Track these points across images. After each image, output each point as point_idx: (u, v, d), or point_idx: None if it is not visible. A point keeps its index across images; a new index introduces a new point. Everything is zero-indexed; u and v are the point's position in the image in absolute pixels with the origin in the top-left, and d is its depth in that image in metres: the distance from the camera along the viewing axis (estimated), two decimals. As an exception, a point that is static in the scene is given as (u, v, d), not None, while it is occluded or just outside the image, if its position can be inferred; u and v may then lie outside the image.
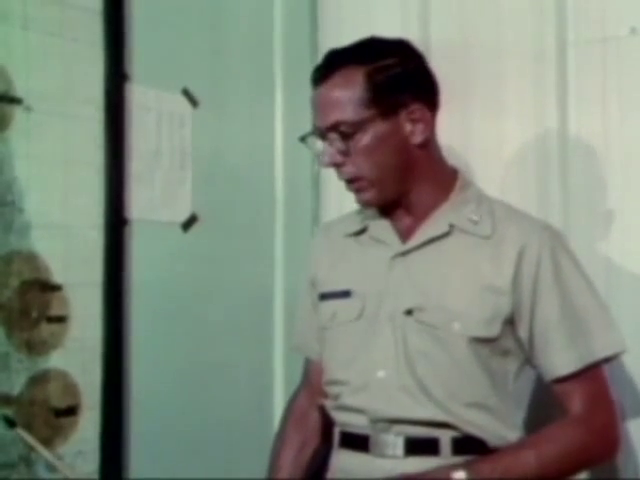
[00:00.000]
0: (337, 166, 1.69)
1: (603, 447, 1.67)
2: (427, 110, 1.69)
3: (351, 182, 1.70)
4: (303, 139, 1.79)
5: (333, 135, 1.67)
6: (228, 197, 2.23)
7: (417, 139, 1.68)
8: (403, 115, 1.67)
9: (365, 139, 1.65)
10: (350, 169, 1.68)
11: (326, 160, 1.70)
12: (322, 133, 1.69)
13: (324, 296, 1.79)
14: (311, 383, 1.88)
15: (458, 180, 1.75)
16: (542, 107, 2.07)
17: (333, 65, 1.67)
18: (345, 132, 1.65)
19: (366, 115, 1.64)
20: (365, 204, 1.74)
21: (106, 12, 1.93)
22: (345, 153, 1.67)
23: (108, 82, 1.94)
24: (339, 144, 1.67)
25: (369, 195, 1.70)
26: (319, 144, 1.74)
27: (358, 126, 1.65)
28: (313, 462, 1.84)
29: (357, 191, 1.71)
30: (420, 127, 1.67)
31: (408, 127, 1.67)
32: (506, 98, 2.12)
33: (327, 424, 1.80)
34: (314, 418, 1.84)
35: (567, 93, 2.06)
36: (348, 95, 1.64)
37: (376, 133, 1.65)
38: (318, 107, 1.69)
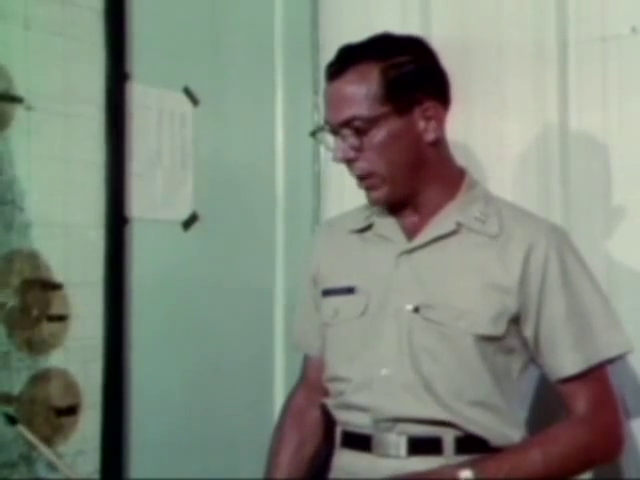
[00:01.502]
0: (350, 162, 1.69)
1: (608, 447, 1.68)
2: (440, 107, 1.69)
3: (363, 179, 1.69)
4: (314, 134, 1.78)
5: (346, 131, 1.66)
6: (229, 196, 2.23)
7: (430, 136, 1.68)
8: (417, 112, 1.66)
9: (379, 135, 1.65)
10: (363, 165, 1.68)
11: (339, 156, 1.69)
12: (335, 128, 1.69)
13: (327, 292, 1.79)
14: (310, 381, 1.88)
15: (465, 179, 1.75)
16: (543, 106, 2.07)
17: (347, 60, 1.66)
18: (359, 128, 1.65)
19: (381, 111, 1.64)
20: (376, 203, 1.73)
21: (107, 11, 1.93)
22: (358, 149, 1.66)
23: (109, 81, 1.94)
24: (352, 140, 1.66)
25: (380, 192, 1.69)
26: (330, 139, 1.73)
27: (373, 122, 1.64)
28: (315, 462, 1.84)
29: (369, 188, 1.70)
30: (433, 125, 1.67)
31: (422, 124, 1.67)
32: (507, 97, 2.12)
33: (328, 423, 1.80)
34: (313, 416, 1.84)
35: (568, 92, 2.06)
36: (363, 91, 1.64)
37: (390, 130, 1.65)
38: (332, 102, 1.69)
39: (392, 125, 1.65)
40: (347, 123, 1.65)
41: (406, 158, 1.67)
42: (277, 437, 1.85)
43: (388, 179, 1.68)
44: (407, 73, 1.65)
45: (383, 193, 1.69)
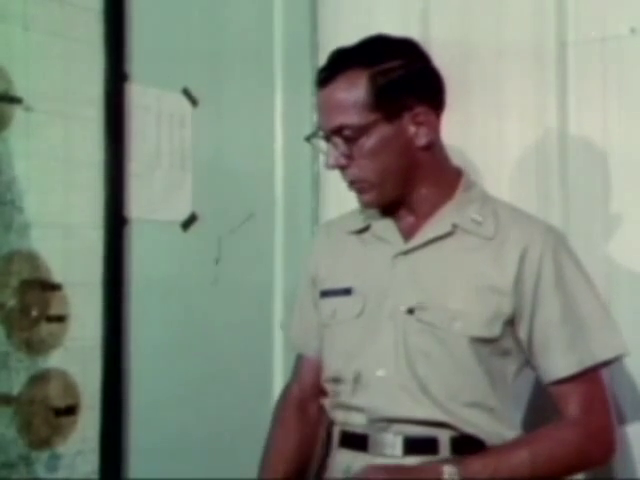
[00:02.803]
0: (341, 168, 1.69)
1: (598, 450, 1.67)
2: (431, 112, 1.68)
3: (353, 183, 1.70)
4: (308, 139, 1.78)
5: (337, 138, 1.66)
6: (228, 196, 2.23)
7: (421, 141, 1.67)
8: (407, 118, 1.66)
9: (369, 143, 1.65)
10: (354, 171, 1.68)
11: (330, 163, 1.69)
12: (326, 135, 1.69)
13: (325, 293, 1.79)
14: (303, 380, 1.88)
15: (462, 180, 1.75)
16: (542, 107, 2.07)
17: (337, 67, 1.66)
18: (349, 136, 1.65)
19: (370, 119, 1.64)
20: (367, 205, 1.73)
21: (106, 12, 1.93)
22: (349, 156, 1.66)
23: (108, 82, 1.94)
24: (343, 147, 1.66)
25: (370, 196, 1.70)
26: (323, 144, 1.74)
27: (362, 130, 1.64)
28: (312, 462, 1.85)
29: (359, 192, 1.71)
30: (424, 130, 1.67)
31: (412, 130, 1.67)
32: (506, 98, 2.12)
33: (326, 424, 1.81)
34: (312, 411, 1.84)
35: (567, 93, 2.06)
36: (352, 99, 1.63)
37: (380, 137, 1.65)
38: (322, 109, 1.69)
39: (382, 132, 1.65)
40: (337, 131, 1.65)
41: (397, 164, 1.67)
42: (279, 427, 1.86)
43: (377, 185, 1.68)
44: (396, 79, 1.64)
45: (373, 196, 1.70)
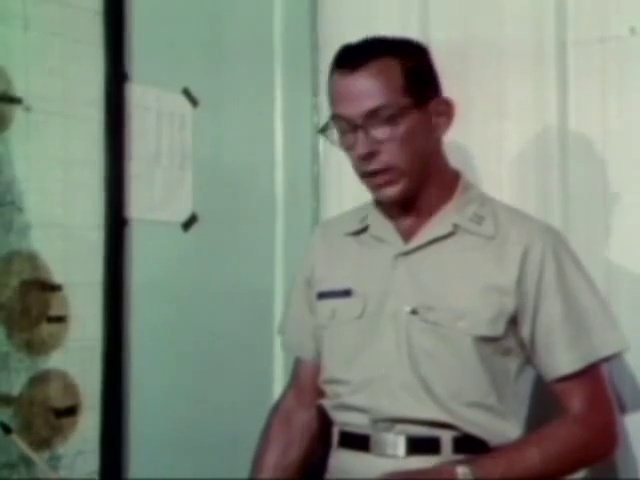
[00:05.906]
0: (371, 156, 1.65)
1: (602, 445, 1.69)
2: (450, 103, 1.70)
3: (379, 174, 1.66)
4: (322, 131, 1.74)
5: (372, 121, 1.63)
6: (228, 197, 2.23)
7: (440, 132, 1.70)
8: (432, 106, 1.68)
9: (402, 127, 1.64)
10: (385, 158, 1.65)
11: (363, 151, 1.65)
12: (355, 122, 1.65)
13: (322, 295, 1.79)
14: (300, 383, 1.88)
15: (461, 181, 1.76)
16: (542, 107, 2.07)
17: (367, 54, 1.65)
18: (389, 116, 1.63)
19: (404, 103, 1.64)
20: (389, 199, 1.70)
21: (106, 12, 1.93)
22: (380, 142, 1.65)
23: (108, 82, 1.94)
24: (375, 132, 1.64)
25: (396, 188, 1.67)
26: (336, 136, 1.71)
27: (399, 112, 1.63)
28: (302, 464, 1.85)
29: (383, 185, 1.67)
30: (443, 120, 1.69)
31: (434, 119, 1.69)
32: (506, 98, 2.12)
33: (320, 424, 1.81)
34: (301, 418, 1.85)
35: (567, 93, 2.06)
36: (387, 82, 1.63)
37: (412, 122, 1.65)
38: (351, 95, 1.65)
39: (413, 118, 1.65)
40: (371, 114, 1.63)
41: (423, 152, 1.68)
42: (263, 439, 1.86)
43: (407, 172, 1.66)
44: (423, 68, 1.69)
45: (399, 188, 1.67)
